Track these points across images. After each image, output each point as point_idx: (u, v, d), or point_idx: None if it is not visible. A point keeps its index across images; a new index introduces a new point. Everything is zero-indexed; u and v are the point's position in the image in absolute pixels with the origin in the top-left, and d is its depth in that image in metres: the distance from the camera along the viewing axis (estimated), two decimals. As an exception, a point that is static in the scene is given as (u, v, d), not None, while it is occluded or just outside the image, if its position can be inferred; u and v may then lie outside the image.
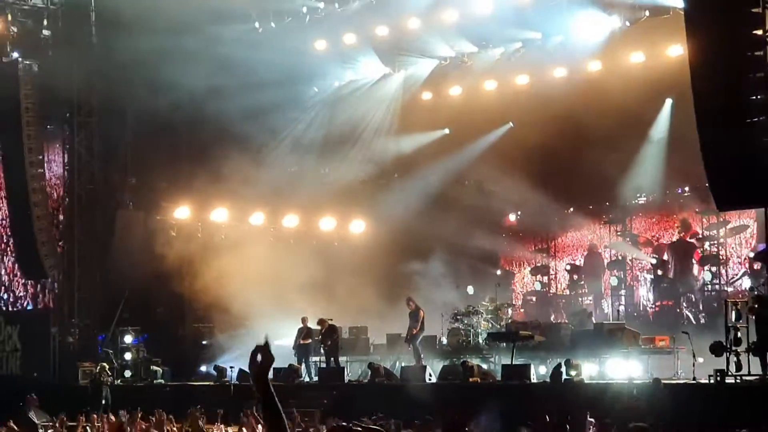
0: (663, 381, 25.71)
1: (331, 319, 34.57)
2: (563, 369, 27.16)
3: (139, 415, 22.02)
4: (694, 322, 32.33)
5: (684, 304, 33.97)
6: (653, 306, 35.85)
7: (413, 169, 40.48)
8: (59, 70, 36.94)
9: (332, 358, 33.57)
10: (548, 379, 27.99)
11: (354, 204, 40.87)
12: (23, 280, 41.64)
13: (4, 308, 42.59)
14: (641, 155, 36.15)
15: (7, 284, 42.64)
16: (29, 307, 41.78)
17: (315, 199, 40.10)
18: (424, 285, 36.25)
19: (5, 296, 42.65)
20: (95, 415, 24.28)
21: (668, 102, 35.44)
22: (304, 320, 34.51)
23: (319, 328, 34.19)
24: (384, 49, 38.80)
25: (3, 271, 42.84)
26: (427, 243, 39.46)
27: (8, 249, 42.06)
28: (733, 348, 25.59)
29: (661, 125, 35.82)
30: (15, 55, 37.69)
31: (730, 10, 26.01)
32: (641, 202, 38.49)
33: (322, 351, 34.26)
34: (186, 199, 39.07)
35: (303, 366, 33.89)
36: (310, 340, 34.27)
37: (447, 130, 40.62)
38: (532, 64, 37.51)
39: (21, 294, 42.09)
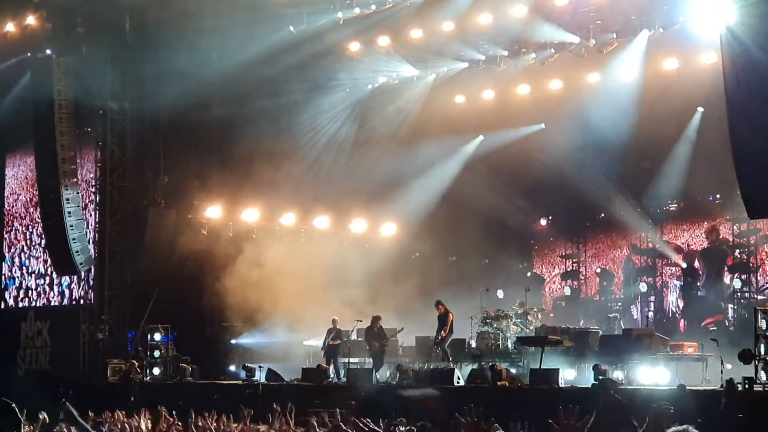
0: (689, 387, 25.63)
1: (360, 320, 34.65)
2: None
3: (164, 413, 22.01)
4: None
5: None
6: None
7: (445, 172, 40.50)
8: (93, 68, 37.08)
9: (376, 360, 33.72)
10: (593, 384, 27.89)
11: (385, 206, 40.90)
12: (55, 276, 41.80)
13: (34, 304, 42.82)
14: (673, 161, 36.11)
15: (38, 280, 42.87)
16: (60, 303, 41.95)
17: (346, 200, 40.16)
18: (454, 288, 36.28)
19: (37, 292, 42.88)
20: (123, 412, 24.34)
21: (699, 110, 35.45)
22: (334, 321, 34.58)
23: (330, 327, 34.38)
24: (417, 53, 38.77)
25: (35, 267, 43.08)
26: (457, 247, 39.52)
27: (40, 245, 42.28)
28: (763, 356, 25.51)
29: (691, 132, 35.78)
30: (49, 51, 37.84)
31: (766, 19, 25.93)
32: (672, 209, 38.43)
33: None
34: (217, 199, 39.17)
35: (331, 366, 33.98)
36: (339, 341, 34.33)
37: (481, 137, 40.80)
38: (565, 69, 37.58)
39: (52, 290, 42.28)
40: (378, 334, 33.79)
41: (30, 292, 43.14)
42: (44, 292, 42.48)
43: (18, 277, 43.81)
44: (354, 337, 35.10)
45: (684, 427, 7.22)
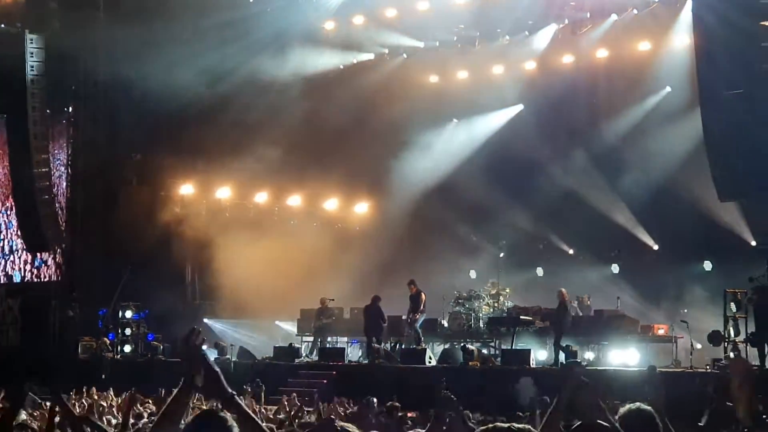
0: (659, 369, 25.77)
1: (333, 299, 34.70)
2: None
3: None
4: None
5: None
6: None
7: (418, 151, 40.47)
8: (66, 43, 36.86)
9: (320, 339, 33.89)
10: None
11: (359, 185, 40.87)
12: (26, 253, 41.63)
13: (5, 280, 42.63)
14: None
15: (9, 256, 42.66)
16: (31, 280, 41.77)
17: (320, 179, 40.07)
18: (426, 268, 36.31)
19: (7, 268, 42.68)
20: (94, 390, 24.28)
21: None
22: (323, 301, 34.50)
23: (319, 306, 34.36)
24: (390, 31, 38.76)
25: (5, 243, 42.87)
26: (430, 226, 39.52)
27: (11, 220, 42.06)
28: (732, 338, 25.72)
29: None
30: (20, 26, 37.58)
31: (739, 2, 26.05)
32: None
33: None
34: (191, 177, 39.08)
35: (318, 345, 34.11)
36: (330, 320, 34.32)
37: (455, 120, 40.99)
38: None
39: (23, 266, 42.09)
40: (323, 312, 34.19)
41: (1, 268, 42.91)
42: (16, 268, 42.27)
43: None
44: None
45: (636, 404, 7.22)
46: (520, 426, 5.52)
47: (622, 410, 7.14)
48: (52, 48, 37.05)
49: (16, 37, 37.44)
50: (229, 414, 5.87)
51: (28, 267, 41.73)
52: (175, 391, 6.16)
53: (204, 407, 7.54)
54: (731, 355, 25.29)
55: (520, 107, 39.58)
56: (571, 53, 37.25)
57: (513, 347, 30.45)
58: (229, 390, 6.15)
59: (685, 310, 30.78)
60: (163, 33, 35.16)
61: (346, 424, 6.65)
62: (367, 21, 38.49)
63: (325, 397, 24.84)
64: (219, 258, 36.50)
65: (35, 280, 41.38)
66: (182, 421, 5.99)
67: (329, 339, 35.02)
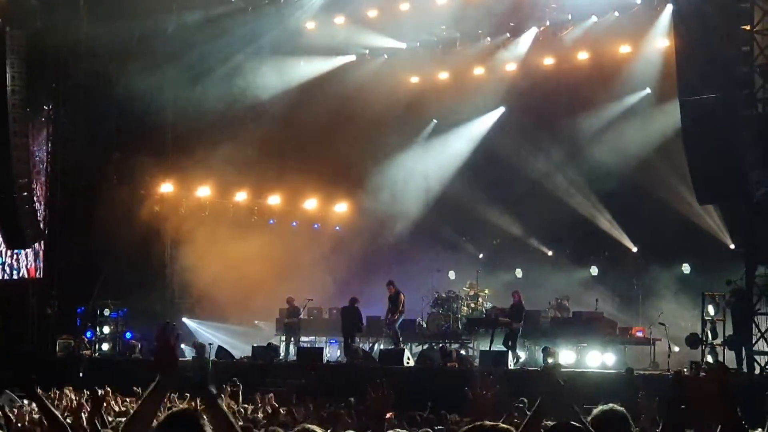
0: (637, 371, 25.88)
1: (311, 299, 34.75)
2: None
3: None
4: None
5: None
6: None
7: (398, 152, 40.48)
8: (46, 41, 36.72)
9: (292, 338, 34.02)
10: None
11: (339, 185, 40.85)
12: (4, 249, 41.46)
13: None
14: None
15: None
16: (9, 277, 41.58)
17: (300, 179, 40.00)
18: (405, 268, 36.32)
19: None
20: (71, 388, 24.20)
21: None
22: (289, 300, 34.53)
23: (287, 306, 34.42)
24: (371, 32, 38.77)
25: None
26: (410, 226, 39.56)
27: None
28: (709, 341, 25.80)
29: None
30: (1, 22, 37.39)
31: (719, 4, 26.10)
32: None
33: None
34: (171, 175, 38.99)
35: (292, 345, 34.03)
36: (296, 319, 34.32)
37: (435, 121, 41.01)
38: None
39: (2, 264, 41.92)
40: (289, 312, 34.28)
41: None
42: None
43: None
44: (304, 315, 35.23)
45: (609, 406, 7.28)
46: (504, 426, 5.55)
47: (595, 411, 7.20)
48: (33, 46, 36.88)
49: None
50: (201, 414, 5.87)
51: (6, 264, 41.54)
52: (148, 389, 6.14)
53: (179, 407, 7.53)
54: (709, 359, 25.39)
55: (501, 110, 39.63)
56: (552, 55, 37.31)
57: (491, 348, 30.53)
58: (213, 391, 6.16)
59: (662, 312, 30.85)
60: (144, 32, 35.17)
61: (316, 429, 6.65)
62: (348, 21, 38.43)
63: (302, 397, 24.81)
64: (198, 257, 36.43)
65: (14, 277, 41.19)
66: (154, 421, 5.98)
67: (311, 339, 35.05)
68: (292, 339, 34.24)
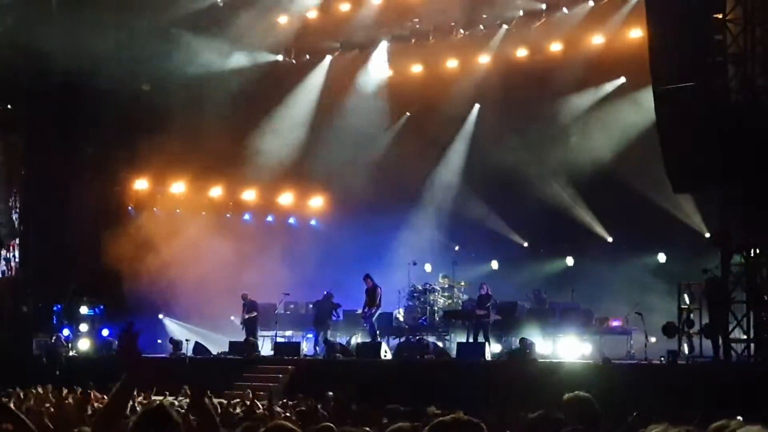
0: (614, 360, 25.96)
1: (288, 294, 34.74)
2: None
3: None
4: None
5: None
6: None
7: (372, 145, 40.46)
8: (19, 38, 36.53)
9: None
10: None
11: (314, 179, 40.80)
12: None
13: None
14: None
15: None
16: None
17: (275, 173, 39.93)
18: (382, 261, 36.34)
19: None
20: (50, 387, 24.08)
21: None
22: (244, 296, 34.44)
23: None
24: (344, 26, 38.78)
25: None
26: (386, 219, 39.53)
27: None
28: (686, 330, 25.88)
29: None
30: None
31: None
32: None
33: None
34: (145, 171, 38.84)
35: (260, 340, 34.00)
36: (255, 314, 34.20)
37: (407, 114, 40.98)
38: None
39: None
40: (249, 307, 34.29)
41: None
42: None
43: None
44: (281, 310, 35.19)
45: (575, 392, 7.80)
46: (468, 418, 5.60)
47: (564, 398, 7.82)
48: (5, 43, 36.68)
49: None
50: (174, 409, 5.89)
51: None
52: (115, 387, 6.16)
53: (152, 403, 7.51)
54: (685, 348, 25.50)
55: (476, 107, 39.69)
56: (526, 47, 37.34)
57: (468, 341, 30.60)
58: (205, 390, 6.21)
59: (638, 302, 30.93)
60: (120, 28, 35.07)
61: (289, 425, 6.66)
62: (321, 15, 38.38)
63: (280, 391, 24.79)
64: (174, 253, 36.31)
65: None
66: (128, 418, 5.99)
67: (288, 334, 35.04)
68: (252, 334, 33.97)
